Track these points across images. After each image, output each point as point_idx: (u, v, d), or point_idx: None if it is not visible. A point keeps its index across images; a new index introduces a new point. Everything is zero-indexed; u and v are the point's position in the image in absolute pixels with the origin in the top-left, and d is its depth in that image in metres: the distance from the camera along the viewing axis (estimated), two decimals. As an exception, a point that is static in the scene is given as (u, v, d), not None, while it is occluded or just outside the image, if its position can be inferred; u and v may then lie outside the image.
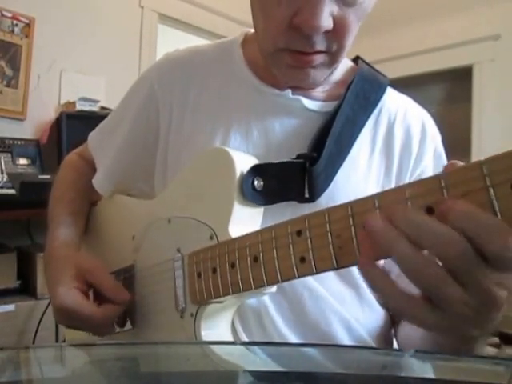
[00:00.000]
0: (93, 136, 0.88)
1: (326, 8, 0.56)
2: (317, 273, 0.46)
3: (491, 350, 2.63)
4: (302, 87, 0.69)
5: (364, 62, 0.75)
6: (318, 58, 0.62)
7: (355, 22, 0.60)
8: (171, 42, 2.59)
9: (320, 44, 0.60)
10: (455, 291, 0.37)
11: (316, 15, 0.56)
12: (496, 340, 2.75)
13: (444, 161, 0.74)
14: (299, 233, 0.47)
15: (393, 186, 0.70)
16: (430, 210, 0.39)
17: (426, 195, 0.39)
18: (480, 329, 0.41)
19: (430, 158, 0.73)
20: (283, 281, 0.50)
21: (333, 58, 0.63)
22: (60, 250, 0.77)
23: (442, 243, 0.36)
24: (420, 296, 0.39)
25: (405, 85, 0.87)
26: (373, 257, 0.40)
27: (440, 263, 0.37)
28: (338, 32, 0.59)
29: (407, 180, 0.70)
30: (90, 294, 0.73)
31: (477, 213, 0.35)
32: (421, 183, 0.40)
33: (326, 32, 0.58)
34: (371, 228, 0.39)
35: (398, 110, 0.74)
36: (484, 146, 3.41)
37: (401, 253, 0.37)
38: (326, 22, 0.57)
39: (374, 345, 0.69)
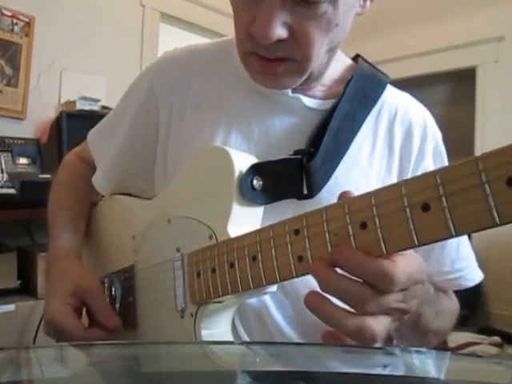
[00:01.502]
0: (92, 135, 0.87)
1: (276, 18, 0.56)
2: None
3: (493, 350, 2.63)
4: (301, 87, 0.69)
5: (364, 60, 0.75)
6: (283, 66, 0.62)
7: (317, 33, 0.59)
8: (173, 40, 2.59)
9: (280, 51, 0.60)
10: (369, 326, 0.46)
11: (266, 24, 0.56)
12: (498, 340, 2.75)
13: (444, 157, 0.74)
14: (297, 232, 0.47)
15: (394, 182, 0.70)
16: (425, 207, 0.39)
17: (422, 192, 0.39)
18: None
19: (430, 156, 0.72)
20: (282, 280, 0.50)
21: (301, 67, 0.62)
22: (61, 263, 0.77)
23: (346, 297, 0.46)
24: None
25: (409, 85, 0.87)
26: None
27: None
28: (299, 41, 0.59)
29: (409, 177, 0.70)
30: (83, 312, 0.74)
31: (363, 262, 0.44)
32: (417, 180, 0.40)
33: (285, 40, 0.58)
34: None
35: (399, 107, 0.74)
36: (487, 146, 3.37)
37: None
38: (278, 32, 0.56)
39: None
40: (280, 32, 0.57)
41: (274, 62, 0.61)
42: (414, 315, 0.53)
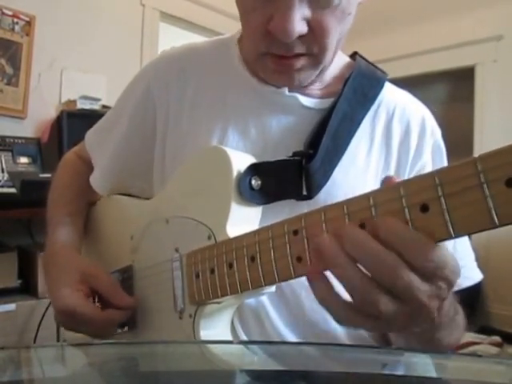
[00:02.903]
0: (90, 135, 0.87)
1: (296, 13, 0.56)
2: None
3: (493, 349, 2.63)
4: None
5: (362, 57, 0.75)
6: (300, 61, 0.62)
7: (334, 23, 0.59)
8: (173, 39, 2.58)
9: (299, 47, 0.60)
10: (385, 303, 0.41)
11: (287, 21, 0.56)
12: (498, 339, 2.75)
13: (444, 155, 0.74)
14: (296, 232, 0.47)
15: None
16: (424, 208, 0.39)
17: (421, 193, 0.39)
18: (415, 327, 0.45)
19: (428, 152, 0.72)
20: (280, 281, 0.49)
21: (317, 60, 0.63)
22: (60, 253, 0.77)
23: (374, 261, 0.40)
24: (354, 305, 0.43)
25: (407, 84, 0.87)
26: (320, 269, 0.44)
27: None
28: (316, 34, 0.59)
29: (406, 175, 0.70)
30: (95, 298, 0.73)
31: (401, 229, 0.40)
32: (415, 181, 0.40)
33: (303, 35, 0.58)
34: (318, 243, 0.44)
35: (397, 104, 0.73)
36: (486, 145, 3.41)
37: (339, 267, 0.42)
38: (299, 27, 0.56)
39: (373, 343, 0.69)
40: (300, 27, 0.57)
41: (291, 58, 0.61)
42: (428, 332, 0.49)
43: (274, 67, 0.63)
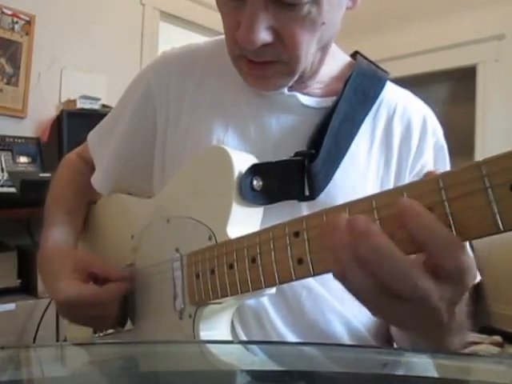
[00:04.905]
0: (92, 135, 0.88)
1: (259, 23, 0.56)
2: (314, 275, 0.46)
3: (494, 349, 2.63)
4: (298, 85, 0.68)
5: (363, 56, 0.75)
6: (271, 68, 0.62)
7: (303, 33, 0.58)
8: (172, 39, 2.59)
9: (268, 55, 0.60)
10: (390, 306, 0.40)
11: (249, 31, 0.56)
12: (499, 339, 2.74)
13: (446, 154, 0.74)
14: (297, 234, 0.47)
15: (392, 180, 0.70)
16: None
17: (425, 196, 0.38)
18: (424, 328, 0.45)
19: (430, 152, 0.72)
20: (281, 283, 0.49)
21: (290, 68, 0.62)
22: (54, 250, 0.77)
23: (389, 268, 0.38)
24: None
25: (409, 84, 0.86)
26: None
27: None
28: (285, 44, 0.59)
29: (407, 174, 0.70)
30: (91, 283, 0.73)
31: (435, 225, 0.37)
32: (419, 184, 0.40)
33: (271, 44, 0.58)
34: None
35: (398, 103, 0.73)
36: (487, 145, 3.41)
37: (344, 266, 0.40)
38: (262, 37, 0.57)
39: (373, 343, 0.69)
40: (264, 36, 0.57)
41: (262, 64, 0.62)
42: (438, 337, 0.48)
43: (247, 71, 0.64)
